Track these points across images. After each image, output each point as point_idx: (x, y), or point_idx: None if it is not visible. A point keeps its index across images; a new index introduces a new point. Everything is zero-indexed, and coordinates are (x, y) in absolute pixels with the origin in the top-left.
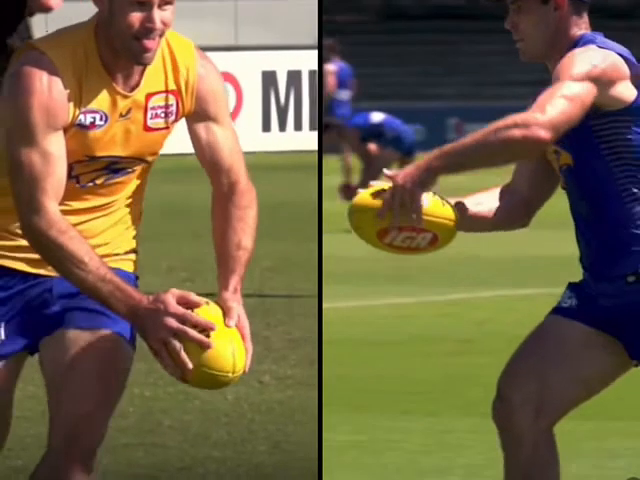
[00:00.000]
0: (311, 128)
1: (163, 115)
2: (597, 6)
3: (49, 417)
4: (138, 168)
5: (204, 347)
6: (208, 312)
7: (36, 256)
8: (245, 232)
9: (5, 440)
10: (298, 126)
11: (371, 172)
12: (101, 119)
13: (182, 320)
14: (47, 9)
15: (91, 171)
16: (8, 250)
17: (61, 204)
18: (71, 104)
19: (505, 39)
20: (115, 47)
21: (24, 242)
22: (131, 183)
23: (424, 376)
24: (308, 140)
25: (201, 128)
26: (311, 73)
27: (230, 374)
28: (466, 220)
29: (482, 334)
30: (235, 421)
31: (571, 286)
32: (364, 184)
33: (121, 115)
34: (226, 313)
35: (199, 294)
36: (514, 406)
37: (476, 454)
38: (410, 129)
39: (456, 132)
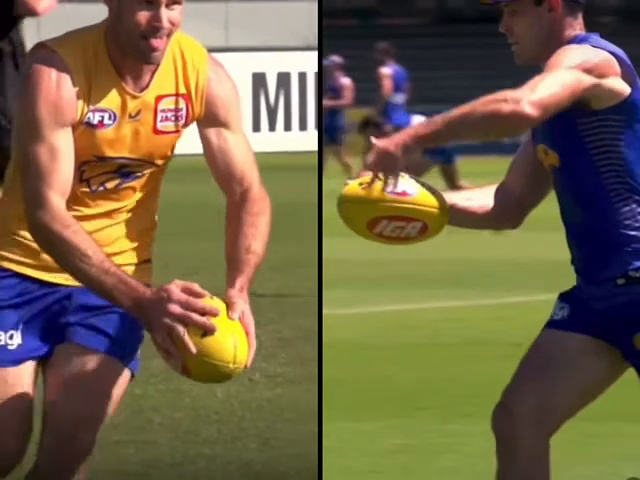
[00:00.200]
0: (300, 129)
1: (173, 118)
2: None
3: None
4: (148, 172)
5: (207, 330)
6: (211, 303)
7: (55, 265)
8: (255, 237)
9: (27, 446)
10: (287, 127)
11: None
12: (110, 118)
13: (185, 307)
14: (33, 14)
15: (101, 174)
16: (26, 257)
17: (72, 210)
18: (80, 102)
19: None
20: (124, 47)
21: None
22: (142, 189)
23: (478, 379)
24: (297, 141)
25: (212, 133)
26: (300, 75)
27: (231, 364)
28: (454, 214)
29: (533, 338)
30: (225, 419)
31: (561, 297)
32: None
33: (130, 116)
34: (229, 307)
35: None
36: (516, 418)
37: None
38: None
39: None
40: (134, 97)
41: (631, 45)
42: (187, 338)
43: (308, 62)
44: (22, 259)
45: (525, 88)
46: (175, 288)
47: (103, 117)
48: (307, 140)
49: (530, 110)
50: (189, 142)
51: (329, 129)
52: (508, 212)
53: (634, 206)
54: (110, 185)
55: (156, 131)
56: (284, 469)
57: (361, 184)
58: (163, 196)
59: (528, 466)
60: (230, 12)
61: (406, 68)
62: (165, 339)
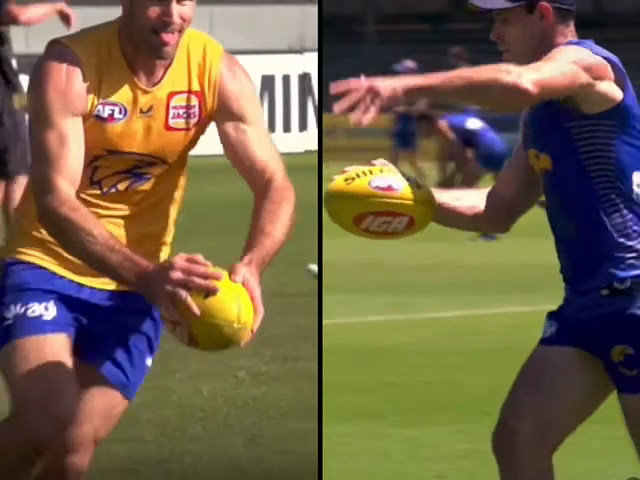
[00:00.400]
0: (284, 130)
1: (185, 116)
2: None
3: None
4: (160, 173)
5: (210, 291)
6: (214, 270)
7: (79, 266)
8: (273, 222)
9: (75, 412)
10: (271, 129)
11: (464, 177)
12: (120, 112)
13: (188, 273)
14: (16, 23)
15: (112, 175)
16: (50, 256)
17: None
18: (90, 94)
19: None
20: (136, 43)
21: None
22: (155, 193)
23: None
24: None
25: (229, 127)
26: (284, 77)
27: (235, 324)
28: (442, 212)
29: None
30: (211, 416)
31: (549, 315)
32: (449, 184)
33: (142, 111)
34: (232, 272)
35: None
36: (519, 435)
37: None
38: (502, 144)
39: None
40: (145, 92)
41: None
42: (190, 300)
43: (292, 65)
44: (46, 257)
45: (528, 67)
46: (178, 259)
47: (113, 111)
48: (291, 141)
49: (530, 86)
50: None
51: (402, 134)
52: (499, 216)
53: (624, 212)
54: (122, 186)
55: (167, 127)
56: (269, 466)
57: (346, 180)
58: None
59: None
60: (215, 15)
61: None
62: (169, 307)
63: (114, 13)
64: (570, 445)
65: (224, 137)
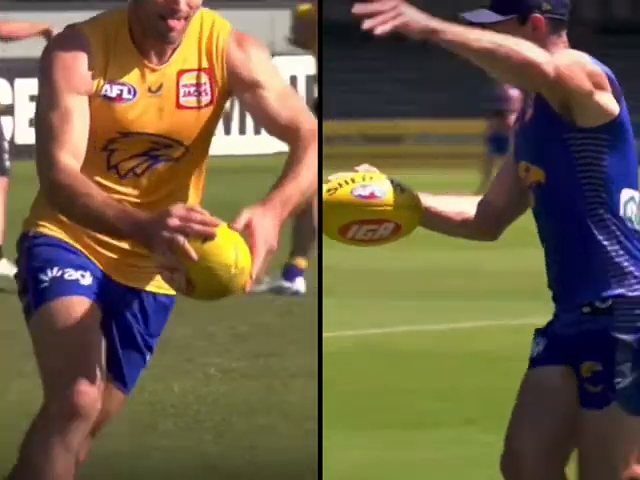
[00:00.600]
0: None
1: (196, 94)
2: None
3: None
4: (177, 156)
5: (207, 236)
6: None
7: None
8: (298, 166)
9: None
10: (257, 130)
11: None
12: (129, 92)
13: (186, 219)
14: None
15: (129, 158)
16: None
17: None
18: (96, 73)
19: None
20: (144, 28)
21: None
22: (173, 179)
23: None
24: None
25: (247, 96)
26: None
27: (232, 268)
28: (428, 216)
29: None
30: (182, 412)
31: (536, 332)
32: None
33: (151, 90)
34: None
35: None
36: (524, 457)
37: None
38: None
39: None
40: (153, 70)
41: None
42: (187, 245)
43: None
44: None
45: (550, 53)
46: (176, 207)
47: (122, 91)
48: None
49: (549, 68)
50: None
51: (496, 140)
52: (488, 224)
53: (611, 229)
54: (139, 170)
55: (179, 106)
56: (239, 461)
57: (329, 190)
58: None
59: None
60: None
61: None
62: (166, 252)
63: None
64: None
65: (246, 107)
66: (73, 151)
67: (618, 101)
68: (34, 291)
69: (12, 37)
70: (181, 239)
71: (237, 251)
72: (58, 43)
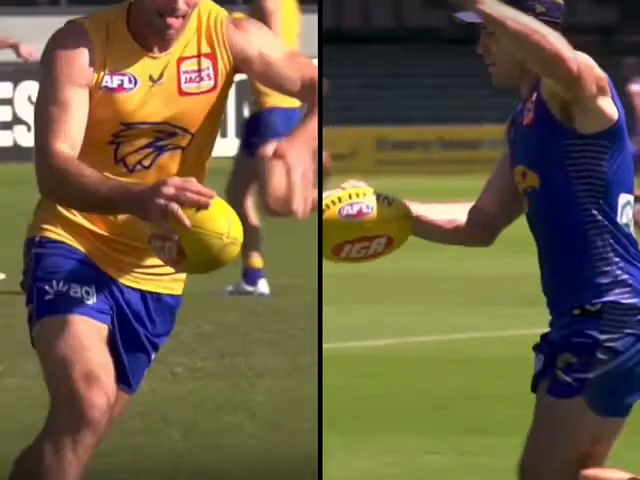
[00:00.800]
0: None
1: (198, 79)
2: None
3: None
4: (184, 144)
5: (201, 206)
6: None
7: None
8: (314, 106)
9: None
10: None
11: None
12: (130, 82)
13: (181, 188)
14: None
15: (136, 150)
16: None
17: None
18: (96, 65)
19: None
20: (143, 23)
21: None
22: (181, 169)
23: None
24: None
25: (256, 69)
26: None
27: (224, 237)
28: (419, 226)
29: None
30: (149, 410)
31: (534, 349)
32: None
33: (152, 79)
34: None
35: None
36: (544, 473)
37: None
38: None
39: None
40: (154, 58)
41: None
42: (181, 212)
43: None
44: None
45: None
46: (171, 178)
47: (122, 81)
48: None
49: (574, 66)
50: None
51: None
52: (481, 231)
53: (606, 236)
54: (147, 162)
55: (181, 92)
56: (205, 459)
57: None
58: None
59: None
60: None
61: None
62: (160, 220)
63: None
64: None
65: (257, 79)
66: (70, 141)
67: (617, 107)
68: (38, 301)
69: None
70: (175, 206)
71: (230, 222)
72: (59, 37)
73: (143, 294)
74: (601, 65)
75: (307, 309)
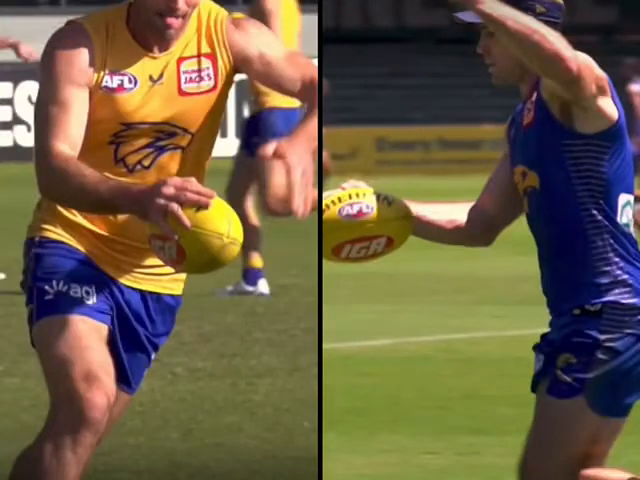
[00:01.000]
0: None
1: (198, 79)
2: None
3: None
4: (184, 144)
5: (201, 206)
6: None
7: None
8: (314, 106)
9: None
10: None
11: None
12: (130, 82)
13: (181, 188)
14: None
15: (135, 150)
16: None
17: None
18: (96, 65)
19: None
20: (144, 23)
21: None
22: (182, 169)
23: None
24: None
25: (256, 69)
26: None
27: (224, 237)
28: (419, 226)
29: None
30: (149, 410)
31: (534, 349)
32: None
33: (152, 79)
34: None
35: None
36: (544, 473)
37: None
38: None
39: None
40: (153, 58)
41: None
42: (181, 212)
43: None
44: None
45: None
46: (171, 178)
47: (122, 81)
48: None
49: (574, 66)
50: None
51: None
52: (481, 230)
53: (605, 236)
54: (147, 162)
55: (181, 92)
56: (205, 458)
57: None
58: None
59: None
60: None
61: None
62: (160, 220)
63: None
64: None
65: (257, 79)
66: (70, 141)
67: (616, 106)
68: (38, 301)
69: None
70: (175, 206)
71: (230, 222)
72: (59, 37)
73: (143, 294)
74: (601, 65)
75: (307, 309)
